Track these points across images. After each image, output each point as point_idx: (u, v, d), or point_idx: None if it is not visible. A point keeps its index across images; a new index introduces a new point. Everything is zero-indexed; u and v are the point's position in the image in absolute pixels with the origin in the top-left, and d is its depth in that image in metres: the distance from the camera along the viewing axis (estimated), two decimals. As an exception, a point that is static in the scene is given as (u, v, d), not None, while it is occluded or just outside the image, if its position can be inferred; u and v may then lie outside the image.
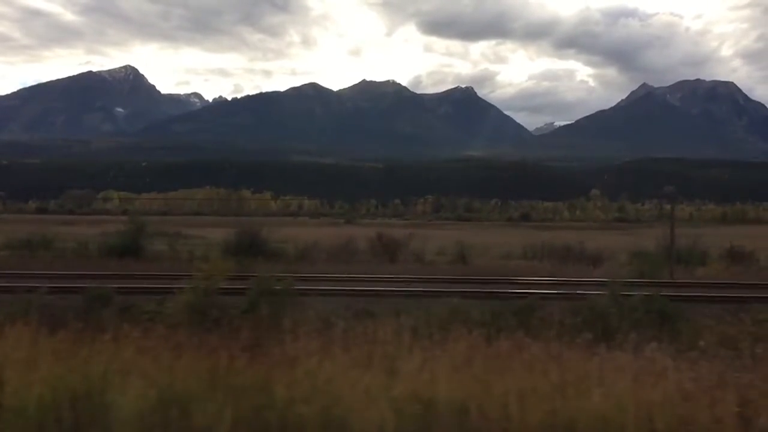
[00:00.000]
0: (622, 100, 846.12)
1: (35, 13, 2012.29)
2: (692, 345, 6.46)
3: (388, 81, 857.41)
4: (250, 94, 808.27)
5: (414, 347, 5.21)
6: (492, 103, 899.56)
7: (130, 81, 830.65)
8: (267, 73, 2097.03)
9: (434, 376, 4.51)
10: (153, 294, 13.80)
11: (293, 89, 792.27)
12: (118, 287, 14.69)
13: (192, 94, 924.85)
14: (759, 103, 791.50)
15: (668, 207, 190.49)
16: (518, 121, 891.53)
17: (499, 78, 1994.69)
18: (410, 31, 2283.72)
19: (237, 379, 4.64)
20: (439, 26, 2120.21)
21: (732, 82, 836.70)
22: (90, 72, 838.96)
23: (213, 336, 6.12)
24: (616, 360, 4.93)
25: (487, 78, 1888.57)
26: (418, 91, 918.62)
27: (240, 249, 27.27)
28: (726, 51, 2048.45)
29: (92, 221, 68.97)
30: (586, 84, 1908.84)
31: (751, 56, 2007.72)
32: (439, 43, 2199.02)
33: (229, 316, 9.74)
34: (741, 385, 4.41)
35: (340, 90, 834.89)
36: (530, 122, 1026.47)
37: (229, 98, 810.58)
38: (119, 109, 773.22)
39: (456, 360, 4.90)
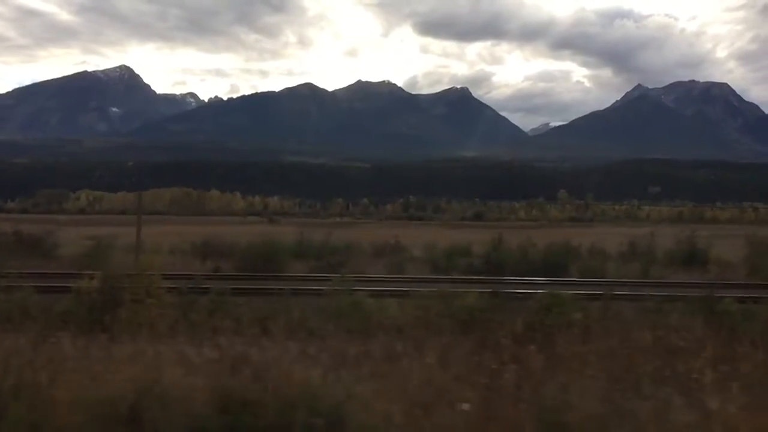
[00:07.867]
0: (616, 101, 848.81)
1: (31, 13, 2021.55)
2: None
3: (383, 81, 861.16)
4: (246, 94, 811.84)
5: None
6: (487, 103, 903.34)
7: (125, 81, 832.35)
8: (263, 74, 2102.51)
9: None
10: None
11: (289, 89, 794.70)
12: None
13: (188, 93, 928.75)
14: (753, 104, 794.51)
15: (652, 207, 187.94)
16: (514, 121, 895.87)
17: (494, 79, 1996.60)
18: (406, 31, 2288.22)
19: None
20: (434, 27, 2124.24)
21: (726, 84, 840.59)
22: (85, 72, 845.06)
23: None
24: None
25: (482, 79, 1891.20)
26: (414, 92, 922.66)
27: None
28: (720, 52, 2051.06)
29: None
30: (581, 85, 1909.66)
31: (745, 58, 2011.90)
32: (435, 43, 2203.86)
33: None
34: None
35: (335, 90, 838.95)
36: (526, 123, 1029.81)
37: (225, 98, 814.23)
38: (114, 109, 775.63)
39: None
